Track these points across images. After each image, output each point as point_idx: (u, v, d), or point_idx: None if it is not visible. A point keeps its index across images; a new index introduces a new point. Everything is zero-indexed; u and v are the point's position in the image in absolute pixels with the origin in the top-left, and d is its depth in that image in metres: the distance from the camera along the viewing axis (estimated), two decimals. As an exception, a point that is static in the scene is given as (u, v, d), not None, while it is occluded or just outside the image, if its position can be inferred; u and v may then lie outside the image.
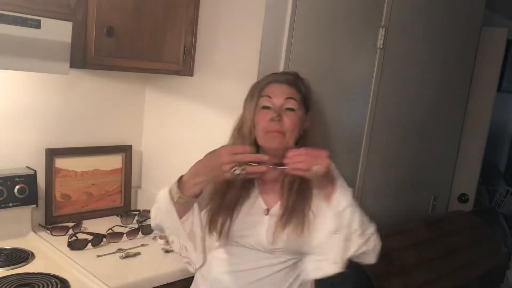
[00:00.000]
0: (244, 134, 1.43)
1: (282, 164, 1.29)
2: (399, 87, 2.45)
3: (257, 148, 1.42)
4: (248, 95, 1.46)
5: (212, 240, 1.48)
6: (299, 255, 1.44)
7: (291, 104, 1.39)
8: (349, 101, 2.20)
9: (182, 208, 1.34)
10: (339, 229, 1.31)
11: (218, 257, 1.46)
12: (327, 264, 1.36)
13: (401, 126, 2.55)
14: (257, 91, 1.43)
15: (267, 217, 1.41)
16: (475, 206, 3.22)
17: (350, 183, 2.33)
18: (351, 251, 1.33)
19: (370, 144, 2.33)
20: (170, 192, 1.33)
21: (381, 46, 2.23)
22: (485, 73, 3.07)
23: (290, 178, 1.40)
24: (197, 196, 1.34)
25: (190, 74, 1.99)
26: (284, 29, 1.80)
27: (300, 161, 1.24)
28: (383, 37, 2.22)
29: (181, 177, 1.33)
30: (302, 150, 1.26)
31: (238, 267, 1.43)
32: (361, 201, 2.37)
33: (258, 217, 1.42)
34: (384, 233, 2.30)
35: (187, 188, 1.31)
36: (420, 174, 2.83)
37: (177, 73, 1.97)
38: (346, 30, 2.07)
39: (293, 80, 1.44)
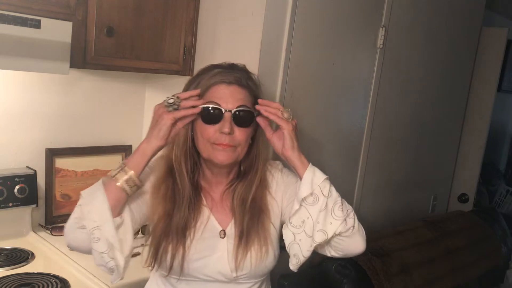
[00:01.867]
0: (179, 141, 1.23)
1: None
2: (399, 87, 2.45)
3: (197, 157, 1.26)
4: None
5: (155, 280, 1.30)
6: (265, 275, 1.31)
7: (243, 109, 1.21)
8: (349, 101, 2.20)
9: (114, 197, 1.12)
10: (316, 199, 1.17)
11: None
12: (304, 236, 1.17)
13: (401, 126, 2.55)
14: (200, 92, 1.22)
15: (224, 240, 1.24)
16: (475, 206, 3.22)
17: (350, 183, 2.35)
18: (334, 227, 1.15)
19: (370, 144, 2.33)
20: (107, 176, 1.16)
21: (381, 46, 2.23)
22: (485, 73, 3.07)
23: (241, 192, 1.25)
24: (138, 176, 1.15)
25: (190, 74, 1.99)
26: (284, 29, 1.80)
27: (271, 107, 1.20)
28: (383, 37, 2.22)
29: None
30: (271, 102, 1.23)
31: None
32: (361, 201, 2.37)
33: (214, 240, 1.24)
34: (384, 233, 2.32)
35: (134, 158, 1.15)
36: (420, 174, 2.83)
37: (177, 73, 1.97)
38: (346, 30, 2.07)
39: (244, 80, 1.24)
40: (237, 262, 1.21)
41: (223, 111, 1.18)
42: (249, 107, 1.22)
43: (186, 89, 1.28)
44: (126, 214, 1.16)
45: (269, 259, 1.25)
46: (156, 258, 1.22)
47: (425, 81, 2.64)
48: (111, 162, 2.14)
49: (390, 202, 2.62)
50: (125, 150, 2.19)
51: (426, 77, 2.65)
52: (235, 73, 1.24)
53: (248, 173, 1.28)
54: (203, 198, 1.28)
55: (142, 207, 1.22)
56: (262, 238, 1.23)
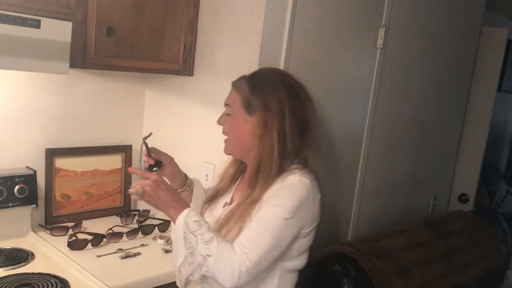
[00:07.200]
0: None
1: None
2: (399, 87, 2.45)
3: None
4: None
5: None
6: None
7: (227, 110, 1.42)
8: (349, 101, 2.20)
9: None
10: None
11: None
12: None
13: (401, 126, 2.55)
14: None
15: (223, 210, 1.43)
16: (475, 206, 3.22)
17: (350, 183, 2.35)
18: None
19: (370, 144, 2.33)
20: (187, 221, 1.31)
21: (381, 46, 2.23)
22: (485, 73, 3.07)
23: (253, 174, 1.37)
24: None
25: (190, 74, 1.99)
26: (284, 29, 1.80)
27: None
28: (383, 37, 2.22)
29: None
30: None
31: None
32: (361, 201, 2.37)
33: (219, 207, 1.46)
34: (384, 233, 2.32)
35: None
36: (420, 174, 2.83)
37: (177, 73, 1.97)
38: (346, 30, 2.07)
39: (237, 82, 1.42)
40: (219, 228, 1.36)
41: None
42: (229, 104, 1.41)
43: None
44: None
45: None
46: None
47: (425, 81, 2.64)
48: (111, 162, 2.14)
49: (390, 202, 2.62)
50: (125, 150, 2.19)
51: (426, 77, 2.65)
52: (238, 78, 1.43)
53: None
54: (238, 182, 1.51)
55: None
56: (238, 221, 1.33)
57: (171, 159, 1.55)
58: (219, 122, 1.44)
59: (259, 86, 1.38)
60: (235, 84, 1.41)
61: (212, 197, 1.51)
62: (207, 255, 1.23)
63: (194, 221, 1.28)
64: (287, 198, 1.28)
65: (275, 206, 1.28)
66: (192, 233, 1.26)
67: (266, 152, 1.33)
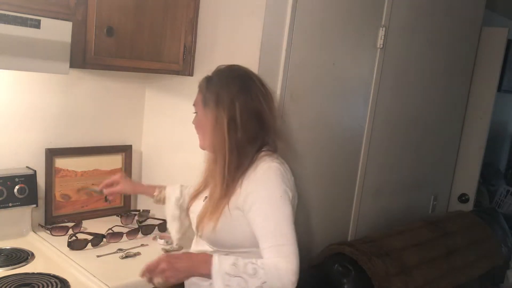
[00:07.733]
0: None
1: None
2: (399, 87, 2.45)
3: None
4: None
5: None
6: (227, 249, 1.40)
7: (194, 109, 1.50)
8: (349, 101, 2.20)
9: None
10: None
11: None
12: None
13: (401, 126, 2.55)
14: None
15: (203, 203, 1.47)
16: (475, 206, 3.22)
17: (350, 183, 2.34)
18: None
19: (370, 144, 2.33)
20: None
21: (381, 46, 2.23)
22: (485, 73, 3.07)
23: (213, 167, 1.42)
24: None
25: (190, 74, 1.99)
26: (284, 29, 1.80)
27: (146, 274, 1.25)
28: (383, 37, 2.22)
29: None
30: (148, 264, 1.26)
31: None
32: (361, 200, 2.37)
33: (200, 202, 1.49)
34: (384, 233, 2.32)
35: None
36: (420, 174, 2.83)
37: (177, 73, 1.97)
38: (346, 30, 2.07)
39: (200, 82, 1.48)
40: (197, 223, 1.44)
41: None
42: (194, 103, 1.50)
43: None
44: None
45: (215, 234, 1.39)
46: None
47: (425, 81, 2.64)
48: (111, 162, 2.14)
49: (390, 202, 2.62)
50: (125, 150, 2.19)
51: (426, 77, 2.65)
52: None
53: None
54: None
55: None
56: (214, 212, 1.38)
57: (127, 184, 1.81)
58: (192, 122, 1.51)
59: (213, 82, 1.44)
60: (199, 84, 1.48)
61: (198, 191, 1.55)
62: (263, 283, 1.23)
63: (230, 266, 1.24)
64: (269, 190, 1.32)
65: (267, 205, 1.31)
66: (236, 277, 1.23)
67: (218, 145, 1.38)
